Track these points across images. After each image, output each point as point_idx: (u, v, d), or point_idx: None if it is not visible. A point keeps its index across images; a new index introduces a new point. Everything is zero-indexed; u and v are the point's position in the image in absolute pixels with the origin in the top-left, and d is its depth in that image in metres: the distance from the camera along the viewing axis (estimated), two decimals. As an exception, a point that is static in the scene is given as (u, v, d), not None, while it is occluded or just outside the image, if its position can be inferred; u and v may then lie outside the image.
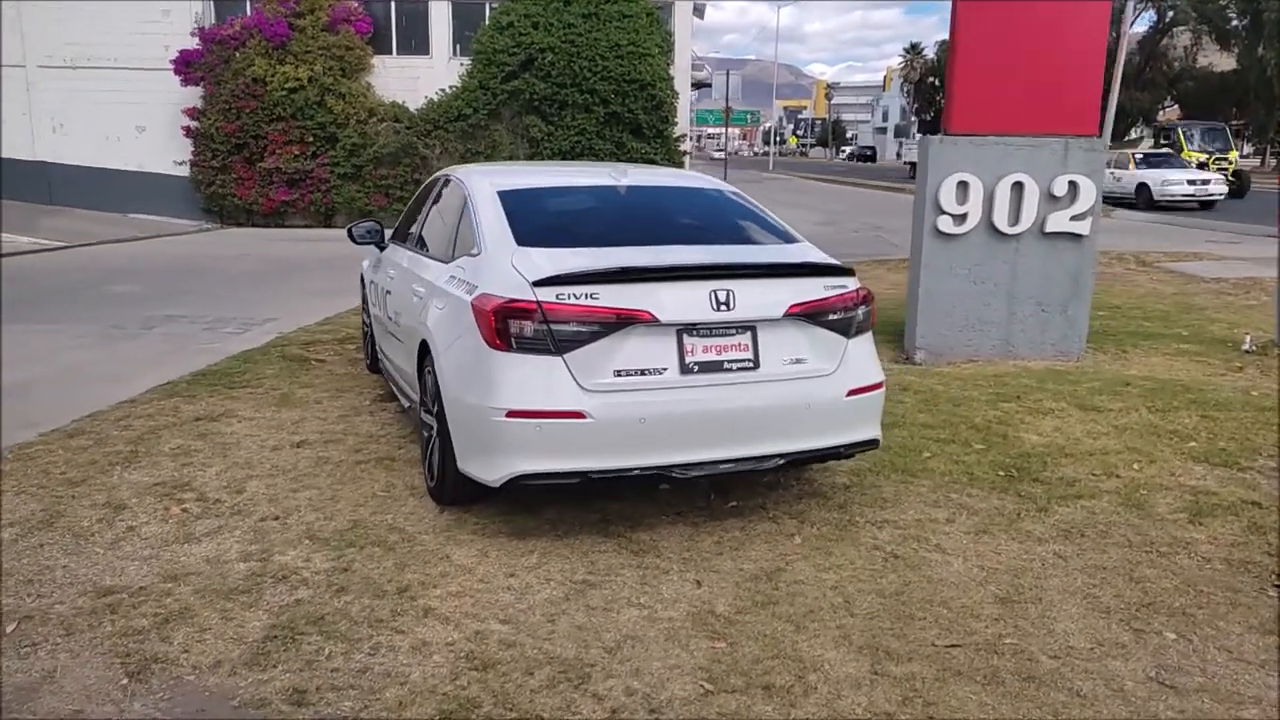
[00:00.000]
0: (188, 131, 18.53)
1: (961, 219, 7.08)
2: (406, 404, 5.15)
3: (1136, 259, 14.00)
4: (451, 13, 18.98)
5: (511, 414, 3.58)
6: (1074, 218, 7.11)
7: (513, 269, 3.73)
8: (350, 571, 3.60)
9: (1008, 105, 7.03)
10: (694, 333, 3.72)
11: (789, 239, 4.40)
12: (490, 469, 3.69)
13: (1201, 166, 28.16)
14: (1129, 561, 3.80)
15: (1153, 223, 20.98)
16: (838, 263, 4.10)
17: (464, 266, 4.17)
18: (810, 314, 3.88)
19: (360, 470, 4.73)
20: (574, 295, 3.57)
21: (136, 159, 19.42)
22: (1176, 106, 58.80)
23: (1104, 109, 24.79)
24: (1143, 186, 24.81)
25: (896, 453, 5.04)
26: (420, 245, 5.15)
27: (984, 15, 7.02)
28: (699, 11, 22.43)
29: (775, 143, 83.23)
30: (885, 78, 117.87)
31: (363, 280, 6.88)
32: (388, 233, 6.14)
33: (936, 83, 65.18)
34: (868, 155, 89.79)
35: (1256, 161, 59.90)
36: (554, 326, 3.56)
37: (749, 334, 3.81)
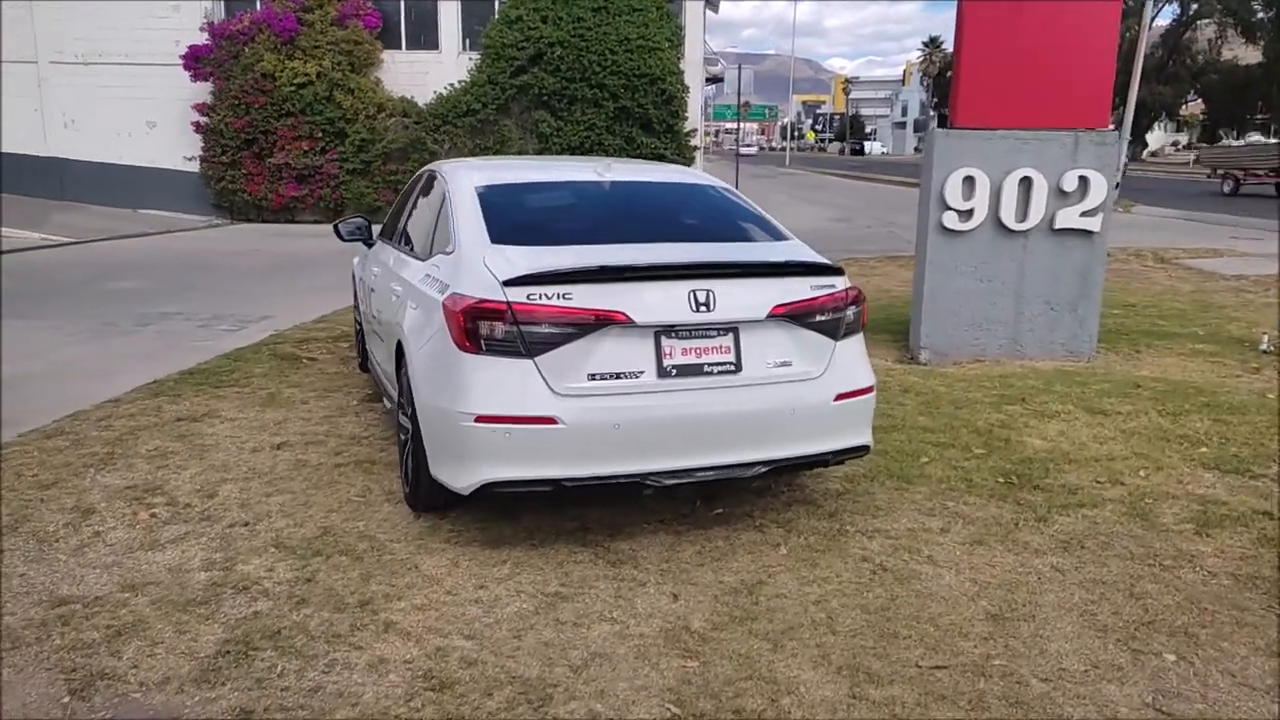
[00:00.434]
0: (197, 127, 18.51)
1: (967, 215, 6.88)
2: (389, 405, 5.02)
3: (1155, 255, 13.72)
4: (460, 7, 18.85)
5: (480, 419, 3.43)
6: (1084, 214, 6.89)
7: (484, 268, 3.58)
8: (313, 582, 3.47)
9: (1015, 98, 6.82)
10: (672, 334, 3.56)
11: (779, 237, 4.23)
12: (459, 476, 3.55)
13: None
14: (1130, 576, 3.61)
15: (1175, 218, 20.61)
16: (826, 261, 3.93)
17: (439, 265, 4.03)
18: (796, 315, 3.72)
19: (338, 474, 4.60)
20: (545, 295, 3.42)
21: (148, 155, 19.41)
22: (1200, 101, 58.02)
23: (1124, 103, 24.43)
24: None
25: (893, 457, 4.87)
26: (402, 242, 5.01)
27: (991, 5, 6.82)
28: (713, 5, 22.21)
29: (791, 138, 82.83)
30: (904, 72, 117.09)
31: (354, 277, 6.76)
32: (377, 228, 6.01)
33: (955, 77, 64.53)
34: (857, 149, 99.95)
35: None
36: (524, 328, 3.41)
37: (731, 336, 3.65)
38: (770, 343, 3.70)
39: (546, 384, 3.44)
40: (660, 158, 17.39)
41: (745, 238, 4.16)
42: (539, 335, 3.42)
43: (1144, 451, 4.94)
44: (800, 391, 3.72)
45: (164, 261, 13.10)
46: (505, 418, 3.42)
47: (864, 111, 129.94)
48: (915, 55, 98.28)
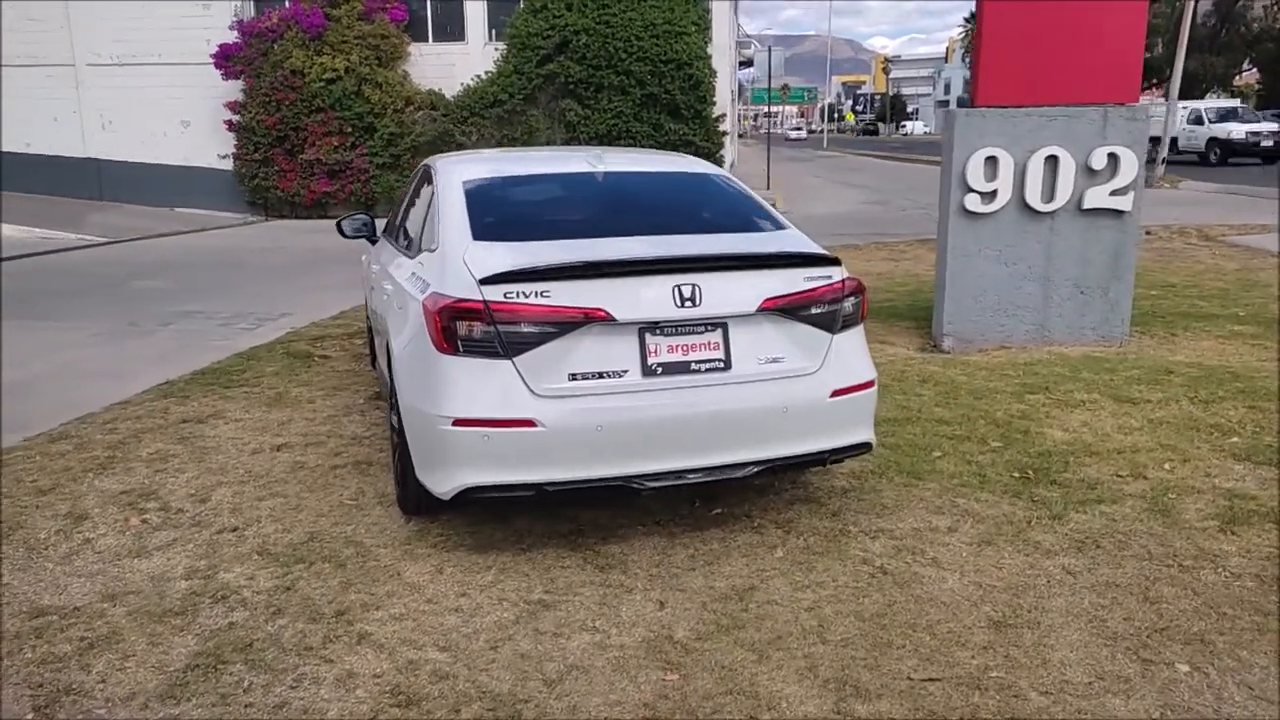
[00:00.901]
0: (230, 125, 18.67)
1: (990, 197, 6.63)
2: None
3: (1199, 232, 13.26)
4: (486, -3, 18.77)
5: (458, 422, 3.33)
6: (1114, 192, 6.61)
7: (464, 266, 3.47)
8: (292, 591, 3.40)
9: (1040, 74, 6.55)
10: (657, 331, 3.42)
11: (777, 226, 4.06)
12: (439, 481, 3.45)
13: None
14: (1146, 578, 3.41)
15: (1222, 193, 19.92)
16: (822, 251, 3.75)
17: (423, 263, 3.93)
18: (788, 308, 3.55)
19: (334, 476, 4.54)
20: (523, 293, 3.30)
21: (183, 154, 19.63)
22: (1255, 70, 56.17)
23: (1170, 74, 23.67)
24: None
25: (905, 452, 4.69)
26: (397, 239, 4.93)
27: (1012, -23, 6.55)
28: (742, -13, 21.84)
29: (828, 119, 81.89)
30: (947, 49, 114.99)
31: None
32: (380, 224, 5.93)
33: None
34: (871, 130, 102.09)
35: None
36: (502, 327, 3.30)
37: (720, 331, 3.50)
38: (761, 338, 3.55)
39: (526, 385, 3.32)
40: (688, 144, 17.18)
41: (739, 228, 3.99)
42: (517, 335, 3.30)
43: (1171, 442, 4.71)
44: (793, 388, 3.56)
45: (193, 260, 13.21)
46: (483, 421, 3.31)
47: (905, 91, 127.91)
48: (957, 31, 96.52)
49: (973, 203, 6.63)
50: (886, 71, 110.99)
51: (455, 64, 18.34)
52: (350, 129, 18.14)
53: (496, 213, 3.91)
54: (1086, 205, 6.63)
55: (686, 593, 3.37)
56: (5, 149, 19.44)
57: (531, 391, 3.32)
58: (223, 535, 3.89)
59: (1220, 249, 11.93)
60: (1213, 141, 28.64)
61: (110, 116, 19.52)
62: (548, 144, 17.59)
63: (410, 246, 4.44)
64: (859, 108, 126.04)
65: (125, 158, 19.67)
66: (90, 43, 19.10)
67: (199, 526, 3.99)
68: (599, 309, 3.31)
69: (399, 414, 3.80)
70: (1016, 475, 4.37)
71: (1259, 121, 29.64)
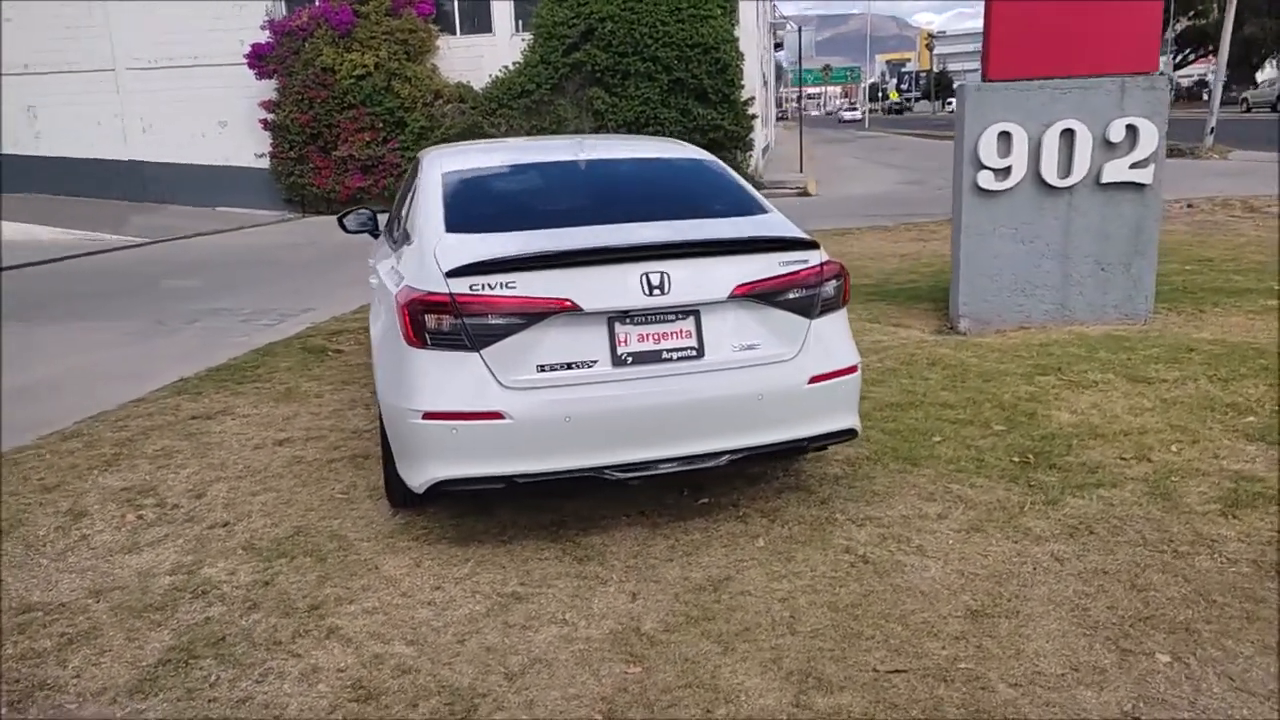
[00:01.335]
0: (265, 124, 18.94)
1: (1004, 173, 6.46)
2: None
3: (1244, 204, 12.81)
4: (513, -12, 18.78)
5: (428, 415, 3.32)
6: (1134, 165, 6.39)
7: (433, 258, 3.46)
8: (270, 585, 3.43)
9: (1053, 44, 6.35)
10: (627, 321, 3.38)
11: (759, 211, 3.99)
12: (412, 474, 3.45)
13: None
14: (1136, 564, 3.30)
15: (1273, 163, 19.22)
16: (799, 235, 3.67)
17: (402, 256, 3.93)
18: (763, 294, 3.49)
19: (329, 470, 4.58)
20: (488, 285, 3.28)
21: (222, 153, 19.96)
22: (1315, 33, 54.08)
23: (1219, 39, 22.88)
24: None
25: (904, 437, 4.60)
26: (391, 233, 4.94)
27: (1022, -55, 6.36)
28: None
29: (869, 99, 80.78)
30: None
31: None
32: (384, 219, 5.95)
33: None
34: (895, 109, 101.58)
35: None
36: (468, 320, 3.28)
37: (692, 319, 3.45)
38: (735, 325, 3.49)
39: (494, 377, 3.30)
40: (717, 128, 17.06)
41: (718, 214, 3.91)
42: (484, 327, 3.28)
43: (1182, 423, 4.55)
44: (769, 375, 3.49)
45: (228, 258, 13.44)
46: (451, 414, 3.30)
47: (951, 67, 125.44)
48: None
49: (986, 180, 6.47)
50: (931, 48, 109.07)
51: (483, 56, 18.38)
52: (381, 124, 18.30)
53: (471, 204, 3.88)
54: (1105, 179, 6.42)
55: (661, 584, 3.33)
56: (49, 154, 19.95)
57: (500, 384, 3.30)
58: (213, 530, 3.94)
59: (1265, 220, 11.51)
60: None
61: (150, 119, 19.91)
62: (576, 133, 17.57)
63: (397, 240, 4.45)
64: (904, 86, 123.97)
65: (166, 159, 20.06)
66: (130, 46, 19.47)
67: (191, 522, 4.05)
68: (565, 299, 3.27)
69: (380, 407, 3.81)
70: (1016, 460, 4.26)
71: None
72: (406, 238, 4.02)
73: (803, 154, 24.76)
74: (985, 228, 6.59)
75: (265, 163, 19.43)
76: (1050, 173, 6.43)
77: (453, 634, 3.07)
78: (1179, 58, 53.21)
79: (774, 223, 3.83)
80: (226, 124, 19.65)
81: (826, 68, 64.44)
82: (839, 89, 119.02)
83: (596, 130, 17.50)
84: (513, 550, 3.63)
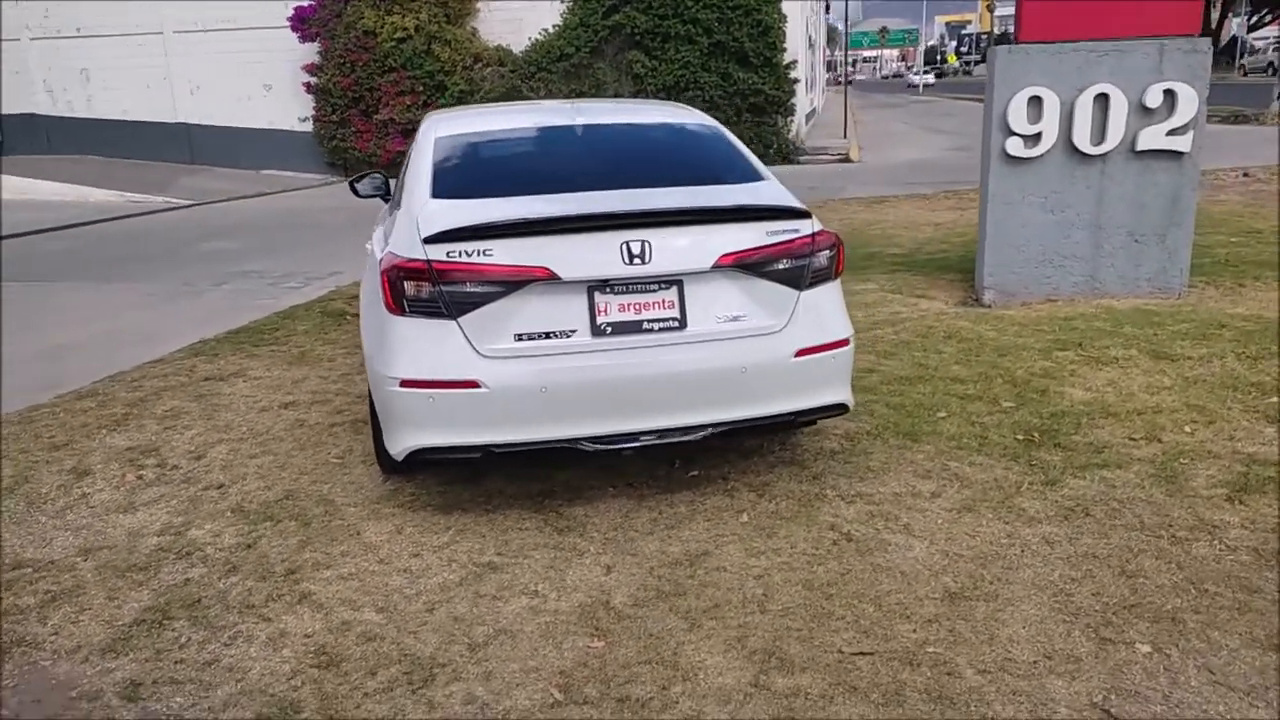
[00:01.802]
0: (308, 88, 19.05)
1: (1034, 140, 6.23)
2: None
3: (1303, 173, 12.27)
4: (553, -51, 18.54)
5: (405, 383, 3.30)
6: (1171, 132, 6.13)
7: (415, 225, 3.42)
8: (252, 548, 3.46)
9: (1089, 4, 6.09)
10: (607, 290, 3.31)
11: (754, 178, 3.88)
12: (393, 441, 3.45)
13: None
14: (1129, 549, 3.18)
15: (1343, 129, 18.39)
16: (790, 204, 3.56)
17: (393, 222, 3.90)
18: (749, 264, 3.39)
19: (329, 434, 4.60)
20: (465, 252, 3.23)
21: (267, 117, 20.14)
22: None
23: None
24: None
25: (908, 412, 4.49)
26: (394, 197, 4.91)
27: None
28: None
29: (927, 62, 78.87)
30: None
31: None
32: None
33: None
34: (942, 73, 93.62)
35: None
36: (445, 288, 3.24)
37: (675, 289, 3.37)
38: (720, 295, 3.40)
39: (471, 346, 3.27)
40: (758, 92, 16.76)
41: (708, 181, 3.81)
42: (460, 295, 3.24)
43: (1200, 402, 4.37)
44: (754, 347, 3.41)
45: (267, 221, 13.58)
46: (428, 382, 3.27)
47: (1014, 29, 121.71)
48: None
49: (1015, 147, 6.25)
50: (992, 9, 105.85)
51: (523, 19, 18.23)
52: (422, 88, 18.28)
53: (459, 170, 3.83)
54: (1141, 146, 6.17)
55: (638, 557, 3.30)
56: (105, 115, 20.30)
57: (477, 352, 3.27)
58: (207, 492, 3.99)
59: (1324, 191, 11.02)
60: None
61: (197, 82, 20.13)
62: (615, 96, 17.38)
63: (391, 206, 4.42)
64: (963, 49, 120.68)
65: (213, 122, 20.30)
66: (177, 10, 19.66)
67: (188, 483, 4.10)
68: (542, 267, 3.22)
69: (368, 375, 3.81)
70: (1020, 438, 4.13)
71: None
72: (398, 203, 3.99)
73: (847, 119, 24.27)
74: (1013, 196, 6.38)
75: (309, 126, 19.57)
76: (1083, 139, 6.19)
77: (423, 602, 3.07)
78: (1254, 19, 51.04)
79: (766, 190, 3.72)
80: (271, 87, 19.80)
81: (883, 30, 62.85)
82: (896, 51, 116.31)
83: (636, 94, 17.30)
84: (495, 519, 3.62)
